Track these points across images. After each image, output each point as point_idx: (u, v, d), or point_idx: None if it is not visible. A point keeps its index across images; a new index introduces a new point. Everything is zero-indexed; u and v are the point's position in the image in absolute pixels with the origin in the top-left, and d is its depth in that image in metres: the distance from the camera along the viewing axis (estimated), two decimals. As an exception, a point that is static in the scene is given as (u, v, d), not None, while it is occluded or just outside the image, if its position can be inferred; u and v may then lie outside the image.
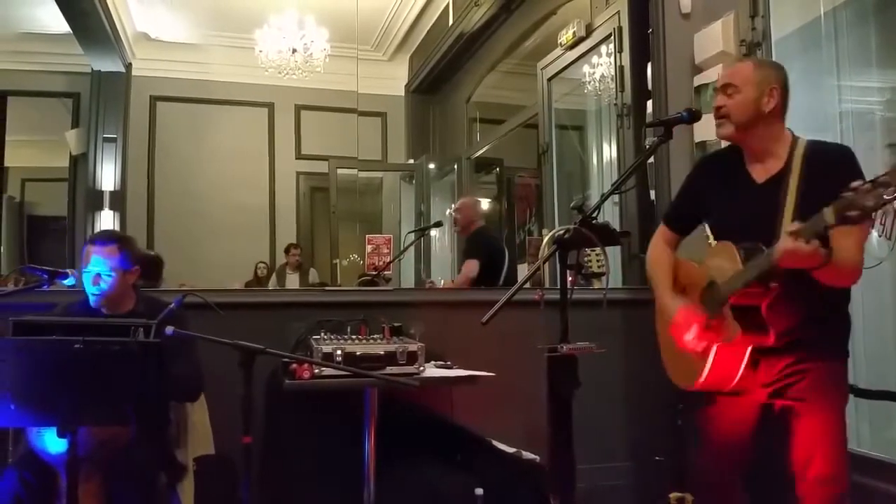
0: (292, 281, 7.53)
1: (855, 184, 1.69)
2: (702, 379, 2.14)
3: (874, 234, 2.67)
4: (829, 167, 2.06)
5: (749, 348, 2.09)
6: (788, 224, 1.95)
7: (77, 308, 2.71)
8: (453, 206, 5.80)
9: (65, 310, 2.71)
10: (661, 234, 2.47)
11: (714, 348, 2.11)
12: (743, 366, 2.10)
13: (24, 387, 2.01)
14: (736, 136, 2.20)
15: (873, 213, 1.70)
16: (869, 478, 2.50)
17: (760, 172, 2.20)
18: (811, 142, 2.17)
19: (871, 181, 1.66)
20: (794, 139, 2.18)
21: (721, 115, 2.18)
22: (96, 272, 2.61)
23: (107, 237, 2.77)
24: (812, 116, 3.29)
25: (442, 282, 6.30)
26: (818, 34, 3.17)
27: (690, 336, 2.17)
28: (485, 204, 7.56)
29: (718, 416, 2.27)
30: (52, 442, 2.25)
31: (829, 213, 1.75)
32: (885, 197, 1.64)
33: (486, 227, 5.11)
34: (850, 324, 2.20)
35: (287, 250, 7.73)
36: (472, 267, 4.66)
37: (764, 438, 2.23)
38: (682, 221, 2.45)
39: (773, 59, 3.04)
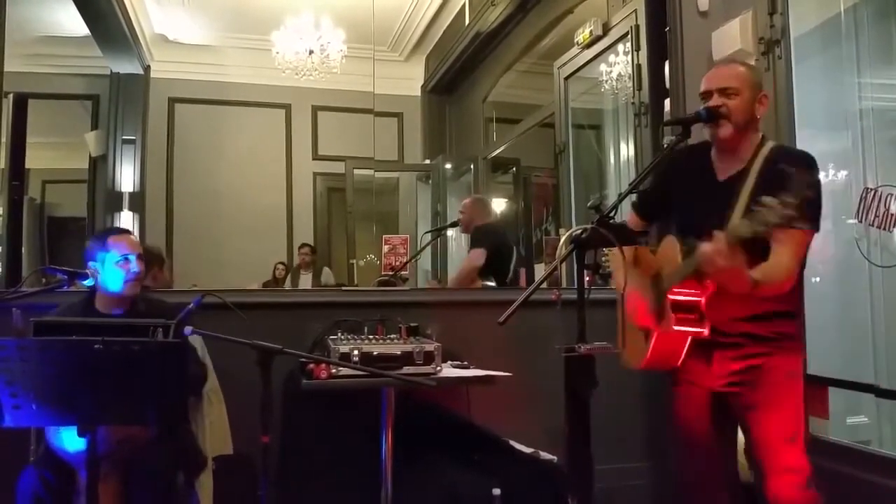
0: (305, 281, 7.55)
1: (766, 199, 1.81)
2: (646, 360, 2.26)
3: None
4: (783, 169, 2.05)
5: (688, 340, 2.21)
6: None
7: (78, 307, 2.73)
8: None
9: (68, 309, 2.73)
10: (630, 219, 2.62)
11: (653, 334, 2.24)
12: (684, 352, 2.23)
13: (45, 386, 2.03)
14: (732, 138, 2.23)
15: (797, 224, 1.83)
16: (894, 479, 2.48)
17: (723, 170, 2.28)
18: (776, 146, 2.26)
19: (781, 200, 1.78)
20: (762, 142, 2.25)
21: (721, 116, 2.21)
22: (125, 256, 2.67)
23: (123, 229, 2.86)
24: (832, 114, 3.27)
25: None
26: (838, 31, 3.14)
27: (640, 310, 2.33)
28: (501, 204, 7.55)
29: (681, 395, 2.39)
30: (71, 441, 2.27)
31: (743, 225, 1.89)
32: (788, 213, 1.77)
33: (489, 223, 5.08)
34: (803, 316, 2.31)
35: (299, 250, 7.78)
36: (477, 255, 4.62)
37: (722, 428, 2.33)
38: (647, 208, 2.60)
39: (793, 56, 3.01)
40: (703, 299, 2.15)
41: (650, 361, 2.27)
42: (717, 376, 2.25)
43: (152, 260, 3.99)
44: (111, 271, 2.67)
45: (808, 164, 2.16)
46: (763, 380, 2.18)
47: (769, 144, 2.24)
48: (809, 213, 2.02)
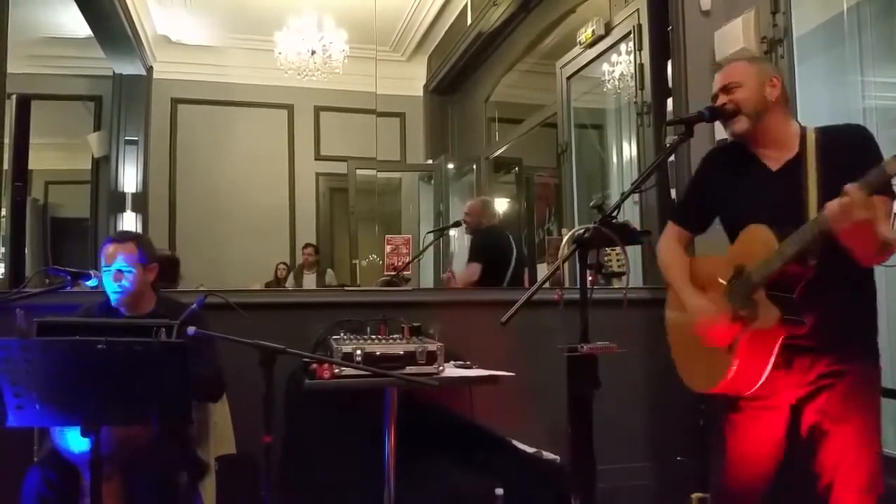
0: (308, 281, 7.56)
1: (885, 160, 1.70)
2: (728, 377, 2.06)
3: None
4: (845, 146, 2.05)
5: (779, 342, 2.02)
6: (813, 209, 1.95)
7: (98, 309, 2.75)
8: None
9: (87, 311, 2.74)
10: (672, 233, 2.44)
11: (740, 341, 2.04)
12: (771, 363, 2.02)
13: (49, 387, 2.03)
14: (750, 130, 2.17)
15: None
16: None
17: (774, 161, 2.18)
18: (820, 127, 2.17)
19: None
20: (803, 128, 2.18)
21: (731, 113, 2.17)
22: (117, 269, 2.66)
23: (124, 236, 2.85)
24: (835, 113, 3.26)
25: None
26: (841, 30, 3.14)
27: (717, 330, 2.11)
28: (503, 204, 7.55)
29: (744, 424, 2.20)
30: (75, 441, 2.27)
31: (891, 164, 1.72)
32: None
33: (491, 227, 5.08)
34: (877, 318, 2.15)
35: (302, 250, 7.79)
36: (472, 271, 4.69)
37: (794, 446, 2.15)
38: (693, 218, 2.42)
39: (795, 56, 3.01)
40: (799, 286, 1.96)
41: (734, 380, 2.07)
42: (799, 384, 2.08)
43: (167, 267, 3.99)
44: (107, 283, 2.68)
45: (862, 133, 2.10)
46: (842, 390, 2.03)
47: (811, 128, 2.16)
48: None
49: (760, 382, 2.06)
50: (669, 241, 2.43)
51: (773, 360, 2.03)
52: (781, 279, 1.98)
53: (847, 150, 2.04)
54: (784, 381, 2.09)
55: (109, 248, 2.70)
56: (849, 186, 1.78)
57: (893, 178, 1.74)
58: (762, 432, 2.17)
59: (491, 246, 4.88)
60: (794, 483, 2.19)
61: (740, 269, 2.10)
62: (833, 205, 1.81)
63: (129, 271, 2.67)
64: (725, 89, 2.20)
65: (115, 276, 2.67)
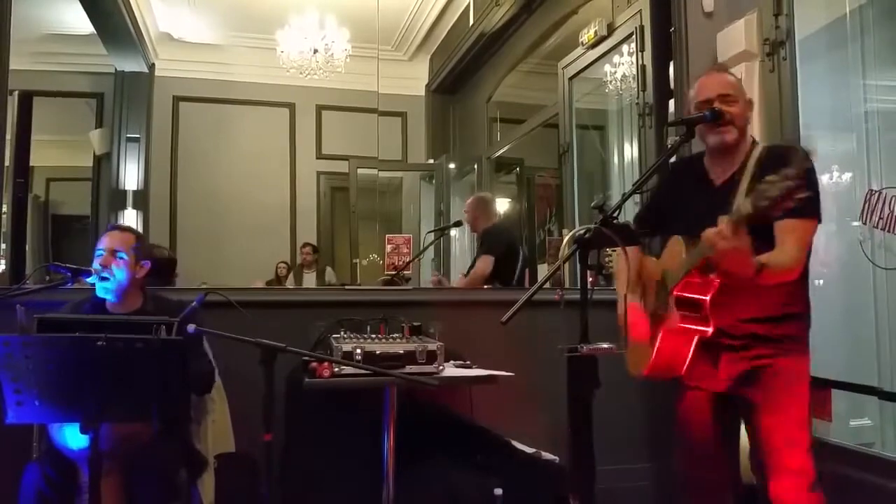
0: (308, 280, 7.56)
1: (769, 176, 1.82)
2: (650, 362, 2.25)
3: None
4: (779, 164, 2.07)
5: (695, 339, 2.19)
6: None
7: (88, 305, 2.73)
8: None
9: (75, 307, 2.72)
10: None
11: (659, 336, 2.23)
12: (690, 354, 2.20)
13: (49, 383, 2.03)
14: (735, 143, 2.28)
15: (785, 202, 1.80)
16: None
17: (718, 176, 2.32)
18: (766, 146, 2.30)
19: (781, 174, 1.79)
20: (754, 145, 2.30)
21: (727, 122, 2.25)
22: (112, 250, 2.64)
23: (125, 227, 2.84)
24: (837, 116, 3.26)
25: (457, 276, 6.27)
26: (843, 32, 3.13)
27: (639, 326, 2.35)
28: (504, 204, 7.55)
29: (686, 410, 2.39)
30: (74, 438, 2.28)
31: (745, 204, 1.87)
32: (788, 184, 1.77)
33: (498, 224, 5.08)
34: (810, 319, 2.28)
35: (301, 249, 7.79)
36: (486, 263, 4.63)
37: (726, 432, 2.34)
38: (647, 223, 2.60)
39: (798, 57, 3.01)
40: (708, 297, 2.15)
41: (654, 365, 2.26)
42: (724, 378, 2.25)
43: (163, 268, 4.00)
44: (94, 266, 2.65)
45: (800, 156, 2.14)
46: (769, 382, 2.18)
47: (760, 146, 2.29)
48: (810, 202, 2.03)
49: (685, 368, 2.24)
50: None
51: (691, 353, 2.21)
52: (689, 288, 2.17)
53: (777, 168, 2.07)
54: (712, 376, 2.27)
55: (110, 233, 2.72)
56: (722, 218, 1.95)
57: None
58: (698, 409, 2.35)
59: (503, 241, 4.88)
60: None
61: (664, 273, 2.27)
62: (707, 233, 1.98)
63: (122, 257, 2.65)
64: (724, 98, 2.27)
65: (104, 259, 2.63)
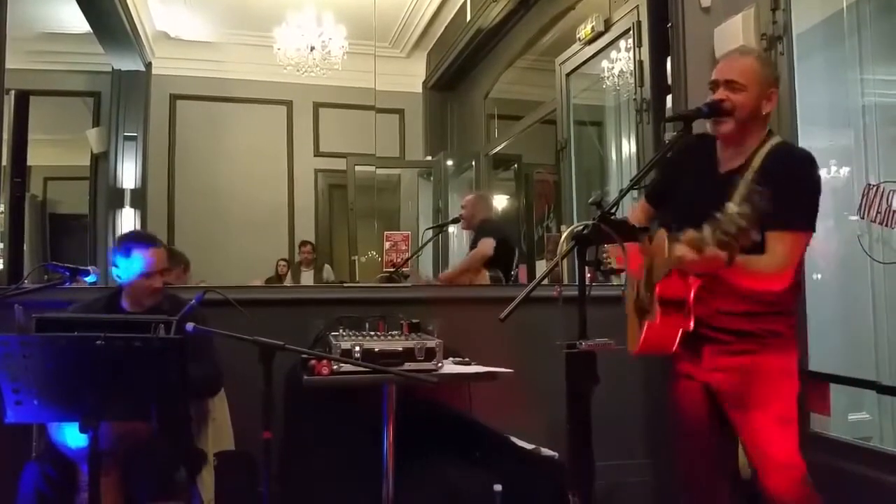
0: (306, 278, 7.56)
1: (729, 205, 1.80)
2: (639, 347, 2.26)
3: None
4: (779, 170, 2.10)
5: (680, 331, 2.19)
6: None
7: (101, 304, 2.74)
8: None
9: (87, 307, 2.74)
10: (640, 205, 2.60)
11: (643, 329, 2.22)
12: (678, 339, 2.19)
13: (47, 382, 2.04)
14: (732, 134, 2.21)
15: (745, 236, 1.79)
16: (895, 476, 2.48)
17: (725, 163, 2.26)
18: (779, 143, 2.21)
19: (746, 202, 1.78)
20: (767, 138, 2.21)
21: (724, 112, 2.18)
22: (153, 271, 2.70)
23: (151, 238, 2.82)
24: (835, 111, 3.26)
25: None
26: (841, 27, 3.13)
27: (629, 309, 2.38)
28: (503, 200, 7.55)
29: (678, 394, 2.39)
30: (73, 436, 2.28)
31: (707, 233, 1.85)
32: (741, 223, 1.76)
33: (493, 219, 5.11)
34: (797, 315, 2.28)
35: (300, 248, 7.79)
36: (488, 244, 4.66)
37: (719, 422, 2.31)
38: (654, 196, 2.56)
39: (795, 52, 3.01)
40: (689, 294, 2.14)
41: (643, 350, 2.28)
42: (707, 370, 2.25)
43: (179, 262, 4.03)
44: (132, 281, 2.68)
45: (805, 164, 2.15)
46: (751, 377, 2.17)
47: (773, 140, 2.20)
48: (802, 214, 2.07)
49: (674, 349, 2.22)
50: (637, 212, 2.59)
51: (678, 338, 2.20)
52: (671, 288, 2.14)
53: (780, 172, 2.09)
54: (698, 367, 2.28)
55: (155, 250, 2.73)
56: (679, 242, 1.95)
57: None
58: (690, 399, 2.35)
59: (501, 229, 4.95)
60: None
61: (650, 265, 2.24)
62: (675, 250, 1.97)
63: (162, 272, 2.76)
64: (729, 84, 2.19)
65: (157, 281, 2.71)
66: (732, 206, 1.80)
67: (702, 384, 2.30)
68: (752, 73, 2.19)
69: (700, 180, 2.29)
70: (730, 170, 2.22)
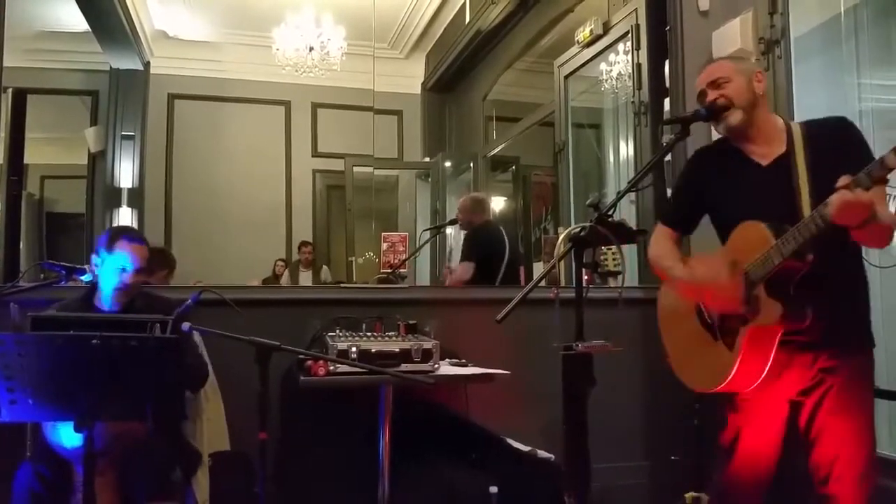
0: (305, 278, 7.55)
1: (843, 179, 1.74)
2: (731, 376, 2.04)
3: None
4: (832, 140, 2.09)
5: (778, 339, 2.02)
6: (805, 203, 1.99)
7: (76, 303, 2.71)
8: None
9: (65, 307, 2.71)
10: (663, 233, 2.41)
11: (743, 337, 2.04)
12: (771, 359, 2.03)
13: (43, 381, 2.03)
14: (744, 122, 2.17)
15: None
16: (891, 480, 2.47)
17: (763, 157, 2.19)
18: (805, 122, 2.20)
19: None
20: (788, 123, 2.21)
21: (724, 106, 2.17)
22: (135, 268, 2.63)
23: (139, 236, 2.78)
24: (832, 114, 3.26)
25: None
26: (838, 32, 3.14)
27: (725, 291, 2.07)
28: (500, 202, 7.55)
29: (744, 422, 2.20)
30: (68, 436, 2.27)
31: (890, 158, 1.71)
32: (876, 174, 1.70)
33: (484, 224, 5.04)
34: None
35: (299, 248, 7.78)
36: (464, 270, 4.65)
37: (793, 442, 2.16)
38: (682, 218, 2.42)
39: (793, 56, 3.01)
40: (792, 284, 1.99)
41: (736, 378, 2.06)
42: (799, 380, 2.10)
43: (165, 262, 4.01)
44: (108, 274, 2.64)
45: (849, 125, 2.14)
46: (841, 382, 2.05)
47: (796, 123, 2.20)
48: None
49: (761, 379, 2.05)
50: (660, 238, 2.41)
51: (772, 356, 2.03)
52: (779, 275, 1.98)
53: (834, 143, 2.07)
54: (784, 378, 2.10)
55: (136, 247, 2.66)
56: (845, 180, 1.78)
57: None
58: (762, 430, 2.18)
59: (483, 243, 4.83)
60: (794, 479, 2.20)
61: (734, 265, 2.08)
62: (835, 199, 1.79)
63: (137, 271, 2.66)
64: (714, 84, 2.20)
65: (135, 278, 2.64)
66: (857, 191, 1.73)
67: (783, 402, 2.14)
68: (729, 67, 2.22)
69: (742, 180, 2.20)
70: (774, 160, 2.16)
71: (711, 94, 2.20)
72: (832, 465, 2.04)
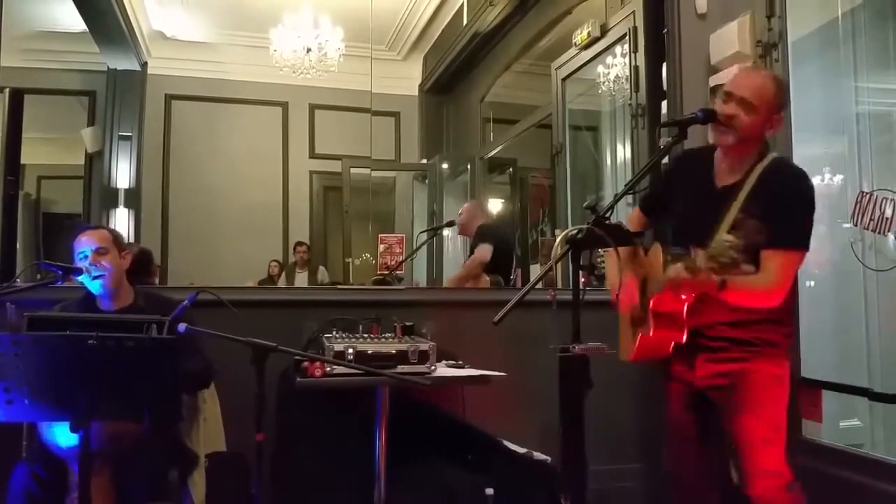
0: (301, 279, 7.55)
1: (726, 236, 1.88)
2: (633, 355, 2.34)
3: (891, 236, 2.67)
4: (775, 188, 2.14)
5: (672, 342, 2.27)
6: (723, 232, 2.05)
7: (76, 306, 2.71)
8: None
9: (66, 307, 2.70)
10: (634, 214, 2.67)
11: (637, 340, 2.29)
12: (670, 349, 2.29)
13: (39, 381, 2.02)
14: (733, 147, 2.22)
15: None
16: (886, 483, 2.48)
17: (723, 177, 2.28)
18: (776, 159, 2.23)
19: (741, 231, 1.87)
20: (765, 152, 2.24)
21: (730, 126, 2.18)
22: (94, 249, 2.62)
23: (95, 225, 2.81)
24: (829, 118, 3.27)
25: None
26: (836, 35, 3.14)
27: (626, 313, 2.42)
28: (497, 204, 7.55)
29: (670, 398, 2.45)
30: (64, 436, 2.27)
31: (700, 258, 1.96)
32: (732, 256, 1.83)
33: (492, 223, 5.12)
34: (793, 324, 2.36)
35: (294, 248, 7.78)
36: (484, 251, 4.68)
37: (709, 427, 2.37)
38: (652, 208, 2.62)
39: (790, 60, 3.02)
40: (683, 308, 2.20)
41: (636, 358, 2.35)
42: (700, 377, 2.29)
43: (141, 261, 3.99)
44: (84, 266, 2.64)
45: (800, 183, 2.18)
46: (743, 383, 2.20)
47: (770, 157, 2.22)
48: (796, 233, 2.10)
49: (670, 352, 2.31)
50: (631, 218, 2.66)
51: (671, 347, 2.28)
52: (664, 303, 2.21)
53: (775, 194, 2.12)
54: (689, 375, 2.32)
55: (85, 235, 2.67)
56: (674, 267, 2.06)
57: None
58: (681, 403, 2.40)
59: (495, 229, 5.00)
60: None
61: (644, 279, 2.31)
62: (669, 272, 2.08)
63: (105, 251, 2.64)
64: (743, 102, 2.17)
65: (93, 257, 2.62)
66: (724, 235, 1.87)
67: (694, 390, 2.33)
68: (767, 95, 2.18)
69: (698, 193, 2.32)
70: (727, 185, 2.24)
71: (732, 108, 2.18)
72: (740, 462, 2.22)
